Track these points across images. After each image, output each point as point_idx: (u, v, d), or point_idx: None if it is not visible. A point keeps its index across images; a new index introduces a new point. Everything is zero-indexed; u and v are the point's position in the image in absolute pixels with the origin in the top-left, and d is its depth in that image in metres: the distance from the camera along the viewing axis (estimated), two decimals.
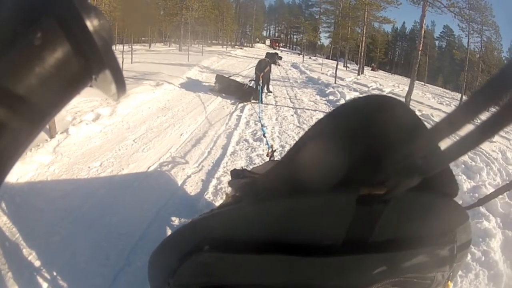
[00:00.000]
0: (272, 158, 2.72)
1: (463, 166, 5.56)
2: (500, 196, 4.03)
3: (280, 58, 12.03)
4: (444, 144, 0.46)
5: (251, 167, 3.93)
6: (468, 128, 0.41)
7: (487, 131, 0.40)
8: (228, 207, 0.78)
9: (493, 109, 0.40)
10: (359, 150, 0.61)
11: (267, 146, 3.28)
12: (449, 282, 0.77)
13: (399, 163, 0.52)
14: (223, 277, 0.69)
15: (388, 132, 0.60)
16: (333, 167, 0.61)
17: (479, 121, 0.40)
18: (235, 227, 0.68)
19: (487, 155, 6.49)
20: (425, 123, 0.63)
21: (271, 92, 11.18)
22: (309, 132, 0.71)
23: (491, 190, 4.39)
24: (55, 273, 2.40)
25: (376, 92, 14.99)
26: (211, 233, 0.69)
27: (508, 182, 4.89)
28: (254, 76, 10.15)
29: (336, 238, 0.64)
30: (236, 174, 2.02)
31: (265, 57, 11.02)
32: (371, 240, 0.65)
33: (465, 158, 5.89)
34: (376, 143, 0.60)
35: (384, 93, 14.71)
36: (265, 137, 3.89)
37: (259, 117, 5.93)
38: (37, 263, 2.46)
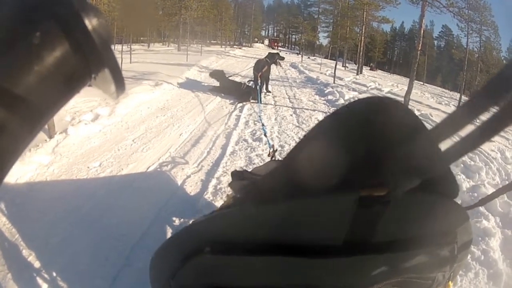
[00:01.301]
0: (273, 158, 2.72)
1: (462, 165, 5.56)
2: (500, 196, 4.03)
3: (282, 58, 11.58)
4: (445, 145, 0.46)
5: (251, 167, 3.92)
6: (468, 128, 0.41)
7: (488, 131, 0.40)
8: (229, 209, 0.78)
9: (493, 110, 0.40)
10: (360, 151, 0.61)
11: (267, 145, 3.27)
12: (450, 282, 0.77)
13: (399, 165, 0.52)
14: (224, 279, 0.69)
15: (389, 133, 0.60)
16: (334, 169, 0.61)
17: (479, 122, 0.40)
18: (236, 229, 0.68)
19: (486, 154, 6.48)
20: (426, 124, 0.64)
21: (270, 92, 11.03)
22: (309, 134, 0.71)
23: (490, 189, 4.40)
24: (54, 274, 2.39)
25: (375, 92, 15.00)
26: (212, 235, 0.69)
27: (508, 181, 4.89)
28: (253, 76, 10.06)
29: (337, 239, 0.64)
30: (237, 175, 2.02)
31: (266, 57, 10.85)
32: (372, 241, 0.65)
33: (464, 157, 5.87)
34: (377, 145, 0.60)
35: (383, 93, 14.72)
36: (266, 136, 3.88)
37: (259, 116, 5.91)
38: (37, 264, 2.46)
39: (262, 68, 9.99)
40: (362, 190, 0.58)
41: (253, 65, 10.68)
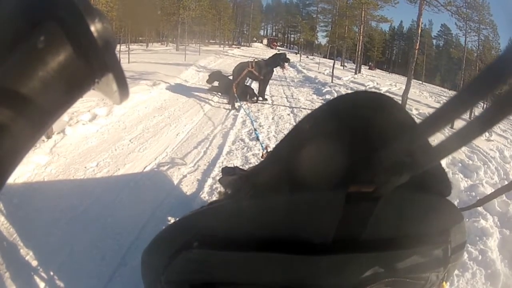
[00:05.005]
0: None
1: (460, 164, 5.56)
2: (498, 196, 4.01)
3: (288, 60, 9.70)
4: (435, 140, 0.45)
5: (247, 167, 3.92)
6: (459, 122, 0.40)
7: (479, 126, 0.39)
8: (218, 204, 0.78)
9: (484, 104, 0.39)
10: (349, 147, 0.60)
11: (261, 147, 3.28)
12: (444, 282, 0.76)
13: (386, 160, 0.51)
14: (213, 274, 0.68)
15: (377, 128, 0.59)
16: (323, 164, 0.60)
17: (470, 117, 0.40)
18: (224, 223, 0.68)
19: (485, 153, 6.49)
20: (416, 119, 0.63)
21: (266, 100, 9.63)
22: (297, 128, 0.70)
23: (489, 188, 4.40)
24: (52, 273, 2.41)
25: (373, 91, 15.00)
26: (200, 230, 0.69)
27: (508, 182, 4.89)
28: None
29: (326, 236, 0.63)
30: (227, 171, 2.02)
31: (271, 57, 9.43)
32: (362, 239, 0.64)
33: (462, 156, 5.90)
34: (365, 140, 0.59)
35: (381, 92, 14.73)
36: (258, 140, 3.89)
37: (251, 121, 5.89)
38: (34, 263, 2.47)
39: (238, 75, 8.59)
40: (350, 186, 0.57)
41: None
